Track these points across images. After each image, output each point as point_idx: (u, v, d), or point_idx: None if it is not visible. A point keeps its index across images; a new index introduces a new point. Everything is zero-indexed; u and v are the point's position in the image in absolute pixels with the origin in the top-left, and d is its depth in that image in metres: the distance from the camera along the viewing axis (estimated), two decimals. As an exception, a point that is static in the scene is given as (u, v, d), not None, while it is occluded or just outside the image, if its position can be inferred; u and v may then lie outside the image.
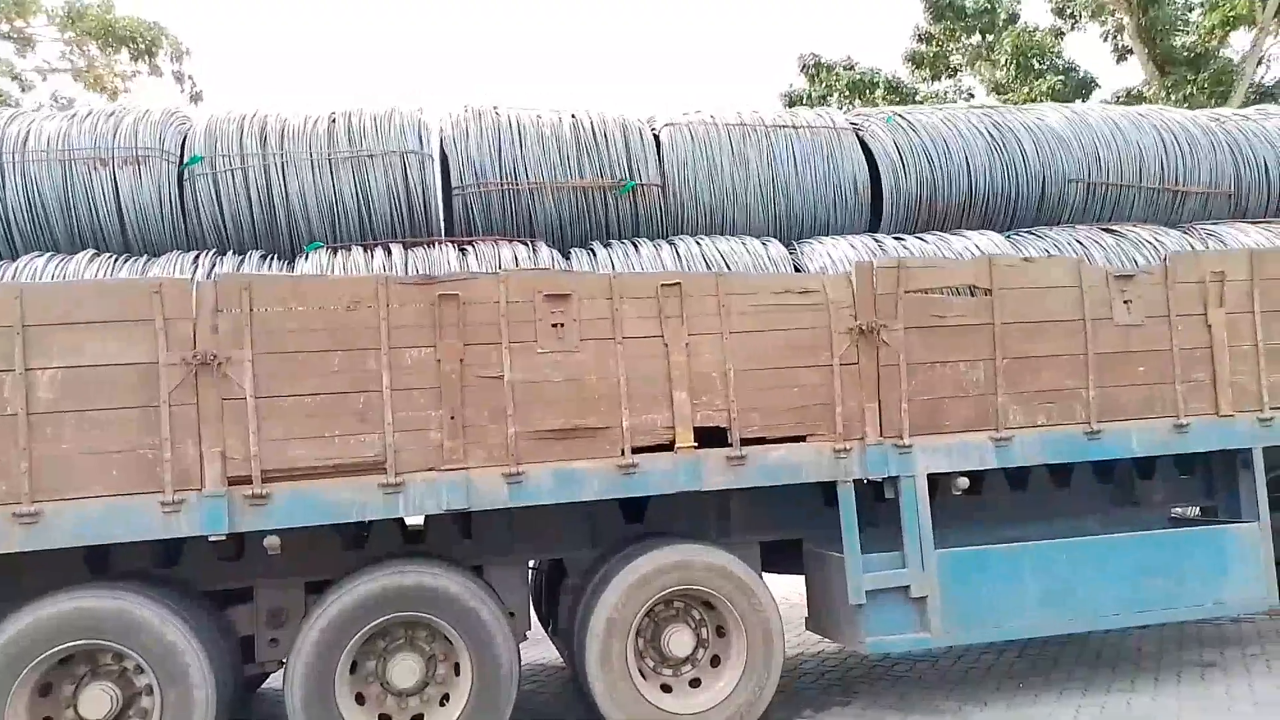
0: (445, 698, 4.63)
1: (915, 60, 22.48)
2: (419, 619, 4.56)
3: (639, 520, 5.49)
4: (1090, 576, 5.22)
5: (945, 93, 23.00)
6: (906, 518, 5.04)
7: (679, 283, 4.84)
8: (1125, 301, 5.36)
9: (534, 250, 5.25)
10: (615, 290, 4.76)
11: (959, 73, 22.91)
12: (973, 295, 5.22)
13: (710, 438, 4.86)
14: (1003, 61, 22.62)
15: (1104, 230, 5.99)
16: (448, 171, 5.62)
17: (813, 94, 22.51)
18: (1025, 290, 5.23)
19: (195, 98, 17.64)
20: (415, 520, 5.14)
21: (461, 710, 4.50)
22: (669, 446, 4.76)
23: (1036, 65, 21.78)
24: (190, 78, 17.52)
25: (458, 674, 4.60)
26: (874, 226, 6.08)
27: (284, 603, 4.88)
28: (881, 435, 5.01)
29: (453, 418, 4.51)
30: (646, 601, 4.75)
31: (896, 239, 5.72)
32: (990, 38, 22.31)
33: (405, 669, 4.55)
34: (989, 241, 5.71)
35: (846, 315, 5.00)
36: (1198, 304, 5.46)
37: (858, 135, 6.16)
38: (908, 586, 5.00)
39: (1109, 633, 6.58)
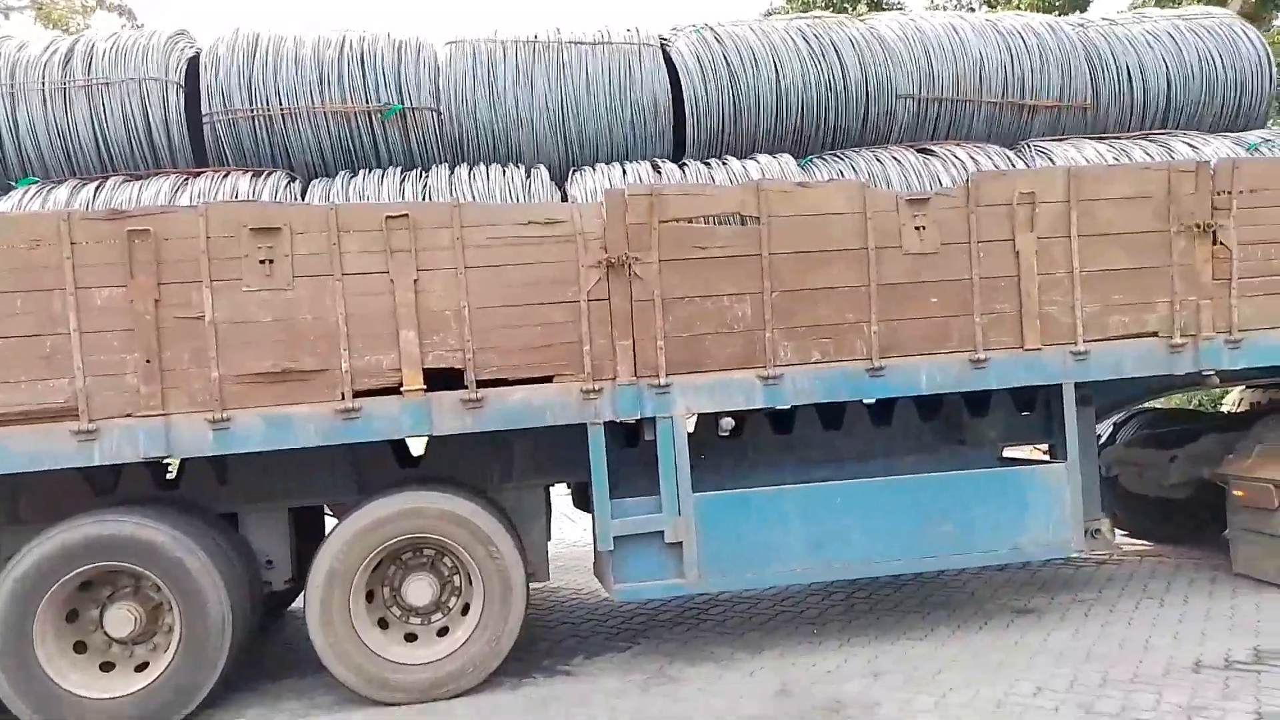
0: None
1: (915, -25, 21.32)
2: (130, 568, 4.42)
3: (417, 464, 5.30)
4: (866, 520, 4.92)
5: (945, 5, 21.88)
6: (663, 460, 4.76)
7: (407, 214, 4.52)
8: (918, 228, 4.94)
9: (265, 181, 4.94)
10: (335, 223, 4.46)
11: None
12: (744, 224, 4.84)
13: (449, 380, 4.60)
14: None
15: (918, 150, 5.53)
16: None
17: (789, 9, 21.55)
18: (799, 218, 4.83)
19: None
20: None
21: (169, 660, 4.38)
22: (398, 390, 4.52)
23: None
24: (130, 11, 17.16)
25: (182, 623, 4.47)
26: (681, 151, 5.68)
27: (26, 550, 4.77)
28: (635, 375, 4.70)
29: (149, 361, 4.29)
30: (374, 549, 4.56)
31: (681, 165, 5.32)
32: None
33: (120, 618, 4.44)
34: (778, 165, 5.29)
35: (597, 247, 4.66)
36: (1005, 228, 5.02)
37: (665, 52, 5.72)
38: (662, 532, 4.76)
39: (943, 574, 6.32)
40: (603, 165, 5.30)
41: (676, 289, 4.73)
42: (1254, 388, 7.49)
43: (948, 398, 5.88)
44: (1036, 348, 5.04)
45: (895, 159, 5.40)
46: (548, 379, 4.66)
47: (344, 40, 5.36)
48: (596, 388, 4.67)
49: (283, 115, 5.15)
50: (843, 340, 4.89)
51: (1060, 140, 5.73)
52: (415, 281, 4.50)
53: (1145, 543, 7.34)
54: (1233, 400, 8.32)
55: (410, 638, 4.77)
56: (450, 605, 4.83)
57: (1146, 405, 8.32)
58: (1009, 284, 5.03)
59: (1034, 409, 5.90)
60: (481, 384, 4.59)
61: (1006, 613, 5.56)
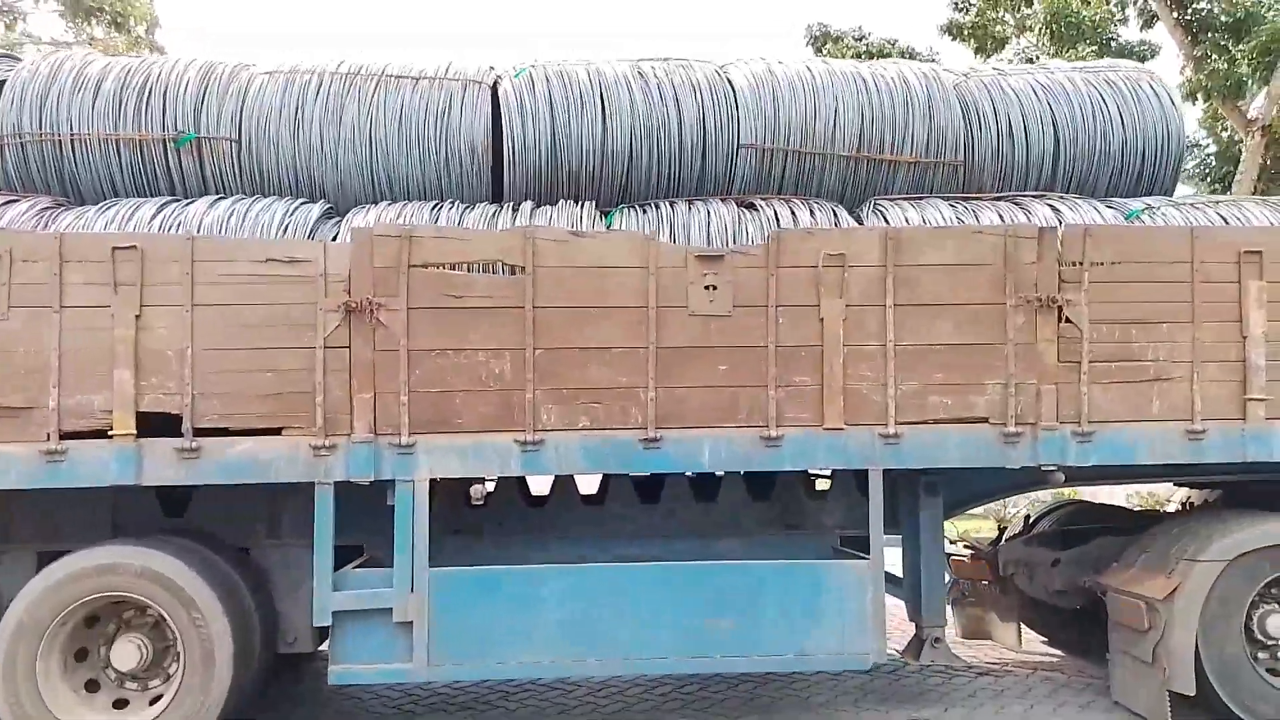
0: None
1: (953, 31, 20.89)
2: None
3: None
4: (632, 611, 4.39)
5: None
6: (399, 529, 4.32)
7: (135, 245, 4.27)
8: (708, 287, 4.47)
9: (20, 206, 4.77)
10: (59, 252, 4.23)
11: (1007, 44, 21.20)
12: (513, 273, 4.45)
13: (170, 426, 4.29)
14: (1038, 31, 20.85)
15: (741, 204, 5.05)
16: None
17: (833, 52, 21.34)
18: (572, 269, 4.42)
19: (168, 67, 17.97)
20: None
21: None
22: (108, 434, 4.23)
23: (1070, 34, 19.94)
24: (162, 48, 17.83)
25: None
26: (501, 195, 5.34)
27: None
28: (374, 432, 4.31)
29: None
30: (68, 606, 4.21)
31: (468, 208, 4.96)
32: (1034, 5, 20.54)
33: None
34: (580, 213, 4.88)
35: (339, 290, 4.32)
36: (809, 293, 4.50)
37: (495, 91, 5.41)
38: (390, 609, 4.31)
39: (799, 673, 5.67)
40: (381, 205, 4.98)
41: (426, 340, 4.34)
42: (1202, 486, 6.67)
43: (782, 477, 5.35)
44: (838, 427, 4.47)
45: (710, 212, 4.94)
46: (276, 431, 4.31)
47: (149, 68, 5.21)
48: (329, 444, 4.29)
49: (72, 142, 5.00)
50: (615, 406, 4.41)
51: (908, 199, 5.19)
52: (138, 318, 4.22)
53: (1059, 652, 6.54)
54: (1182, 498, 7.46)
55: (121, 704, 4.41)
56: (172, 670, 4.46)
57: (1074, 499, 7.55)
58: (811, 354, 4.49)
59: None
60: (203, 433, 4.26)
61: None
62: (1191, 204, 5.15)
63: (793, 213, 4.93)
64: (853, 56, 19.80)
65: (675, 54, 5.60)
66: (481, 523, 5.25)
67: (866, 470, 4.64)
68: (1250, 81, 17.74)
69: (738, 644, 4.42)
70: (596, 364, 4.41)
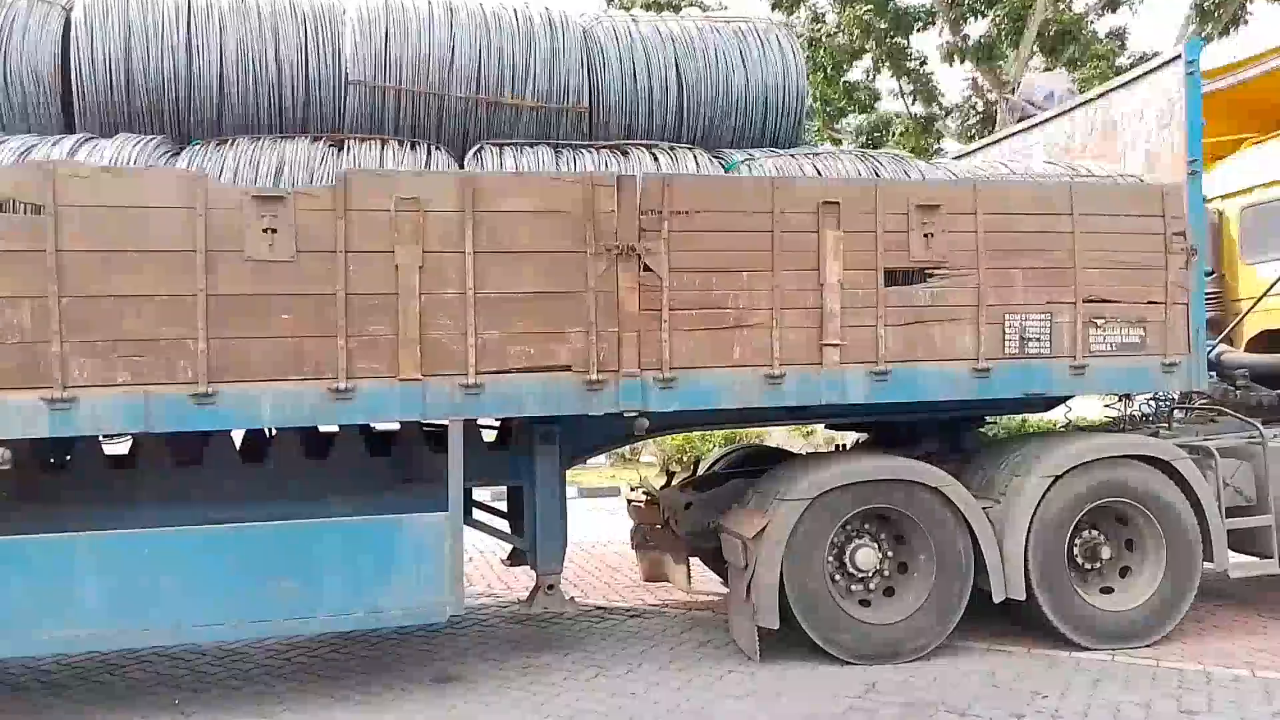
0: None
1: (749, -13, 21.01)
2: None
3: None
4: (181, 577, 4.13)
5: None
6: (-102, 498, 3.91)
7: None
8: (268, 230, 4.20)
9: None
10: None
11: (804, 2, 21.51)
12: (37, 213, 4.02)
13: None
14: (830, -1, 21.29)
15: (332, 143, 4.79)
16: None
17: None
18: (105, 209, 4.04)
19: None
20: None
21: None
22: None
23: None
24: None
25: None
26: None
27: None
28: None
29: None
30: None
31: (6, 140, 4.48)
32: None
33: None
34: (131, 150, 4.48)
35: None
36: (384, 238, 4.32)
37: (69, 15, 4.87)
38: (-109, 584, 3.91)
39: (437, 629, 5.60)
40: (-106, 134, 4.43)
41: (-76, 287, 3.89)
42: (860, 428, 7.00)
43: (403, 432, 5.21)
44: (415, 378, 4.35)
45: (287, 150, 4.65)
46: None
47: None
48: None
49: None
50: (161, 360, 4.11)
51: (515, 144, 5.04)
52: None
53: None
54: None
55: None
56: None
57: (751, 444, 7.79)
58: (386, 303, 4.32)
59: (502, 447, 5.28)
60: None
61: (423, 682, 4.84)
62: (791, 155, 5.27)
63: (383, 154, 4.70)
64: (639, 8, 19.71)
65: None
66: (61, 489, 4.85)
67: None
68: (1002, 45, 18.87)
69: (301, 606, 4.24)
70: (136, 314, 4.07)
